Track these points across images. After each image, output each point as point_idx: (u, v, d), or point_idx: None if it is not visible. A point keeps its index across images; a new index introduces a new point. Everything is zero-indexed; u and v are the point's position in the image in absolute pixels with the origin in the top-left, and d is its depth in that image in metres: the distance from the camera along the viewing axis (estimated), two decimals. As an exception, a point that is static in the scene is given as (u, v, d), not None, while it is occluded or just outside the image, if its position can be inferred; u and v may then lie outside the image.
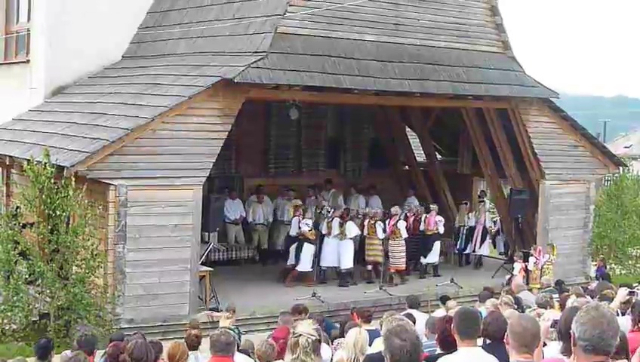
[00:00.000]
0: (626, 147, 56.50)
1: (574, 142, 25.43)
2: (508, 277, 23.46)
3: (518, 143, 24.89)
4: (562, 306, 14.66)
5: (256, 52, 20.10)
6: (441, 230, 25.35)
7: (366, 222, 23.90)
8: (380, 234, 23.67)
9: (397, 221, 23.94)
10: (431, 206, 25.75)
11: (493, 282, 23.32)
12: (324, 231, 23.39)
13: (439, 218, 25.20)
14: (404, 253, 23.87)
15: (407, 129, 30.49)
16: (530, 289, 20.30)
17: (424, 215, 25.32)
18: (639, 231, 28.49)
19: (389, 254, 23.81)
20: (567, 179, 25.38)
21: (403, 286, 23.15)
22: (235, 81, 19.18)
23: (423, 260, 25.26)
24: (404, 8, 22.36)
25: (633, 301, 11.42)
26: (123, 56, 24.89)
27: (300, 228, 23.02)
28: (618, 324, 5.27)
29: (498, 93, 23.51)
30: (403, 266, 23.99)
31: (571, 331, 5.22)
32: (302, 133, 27.32)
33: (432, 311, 17.72)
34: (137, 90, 21.17)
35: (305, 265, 23.10)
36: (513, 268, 23.75)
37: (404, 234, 23.85)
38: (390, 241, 23.82)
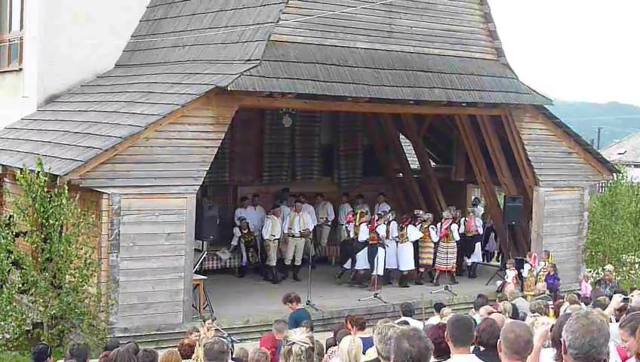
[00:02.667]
0: (619, 153, 56.48)
1: (568, 149, 25.43)
2: (500, 283, 23.45)
3: (512, 150, 24.89)
4: (557, 313, 14.67)
5: (249, 60, 20.08)
6: (481, 231, 26.63)
7: (418, 226, 24.69)
8: (434, 238, 24.78)
9: (450, 224, 25.01)
10: (470, 209, 27.04)
11: (488, 289, 23.31)
12: (382, 235, 23.95)
13: (479, 220, 26.42)
14: (456, 255, 25.20)
15: (401, 136, 30.50)
16: (524, 297, 20.30)
17: (463, 218, 26.18)
18: (633, 237, 28.48)
19: (441, 256, 24.94)
20: (561, 186, 25.38)
21: (397, 294, 23.12)
22: (229, 89, 19.15)
23: (467, 261, 26.38)
24: (398, 15, 22.36)
25: (627, 308, 11.42)
26: (116, 65, 24.87)
27: (377, 233, 23.74)
28: (609, 332, 5.24)
29: (492, 100, 23.50)
30: (454, 267, 25.21)
31: (562, 339, 5.19)
32: (295, 141, 27.29)
33: (427, 319, 17.70)
34: (130, 99, 21.14)
35: (381, 268, 23.73)
36: (506, 274, 23.74)
37: (457, 237, 25.11)
38: (442, 243, 24.98)
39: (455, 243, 25.13)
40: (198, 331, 14.94)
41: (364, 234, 23.84)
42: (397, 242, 24.39)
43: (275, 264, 24.36)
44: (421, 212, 25.69)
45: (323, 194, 27.36)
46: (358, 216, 24.25)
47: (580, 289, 22.76)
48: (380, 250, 23.68)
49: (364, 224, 23.93)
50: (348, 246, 24.50)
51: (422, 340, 5.90)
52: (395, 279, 24.75)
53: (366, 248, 23.82)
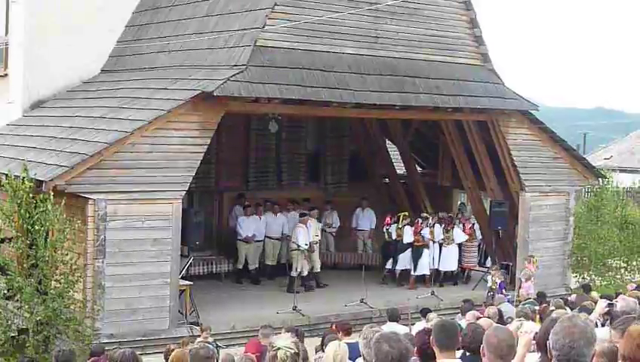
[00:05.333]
0: (605, 158, 56.55)
1: (554, 154, 25.48)
2: (489, 292, 23.24)
3: (498, 155, 24.94)
4: (542, 318, 14.69)
5: (235, 65, 20.08)
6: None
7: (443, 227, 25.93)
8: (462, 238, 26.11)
9: (473, 224, 26.41)
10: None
11: (474, 294, 23.28)
12: (427, 237, 25.32)
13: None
14: (477, 253, 26.62)
15: (387, 142, 30.52)
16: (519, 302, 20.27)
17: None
18: (619, 242, 28.57)
19: (466, 254, 26.27)
20: (547, 191, 25.43)
21: (384, 299, 23.09)
22: (215, 94, 19.13)
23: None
24: (384, 21, 22.40)
25: (612, 312, 11.43)
26: (102, 70, 24.83)
27: (422, 235, 25.13)
28: (592, 335, 5.25)
29: (477, 105, 23.55)
30: (475, 265, 26.62)
31: (547, 343, 5.21)
32: (282, 147, 27.25)
33: (413, 324, 17.70)
34: (116, 104, 21.10)
35: (424, 269, 25.23)
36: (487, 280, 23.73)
37: (480, 236, 26.51)
38: (466, 243, 26.17)
39: (477, 243, 26.41)
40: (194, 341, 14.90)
41: (408, 236, 24.99)
42: (440, 244, 25.59)
43: (306, 273, 24.18)
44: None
45: (299, 201, 27.14)
46: (401, 218, 25.25)
47: (521, 288, 22.50)
48: (425, 251, 25.19)
49: (408, 226, 25.04)
50: (391, 248, 25.50)
51: (401, 342, 5.97)
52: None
53: (409, 249, 25.09)
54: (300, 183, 27.91)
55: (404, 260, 25.20)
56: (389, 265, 25.59)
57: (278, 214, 25.41)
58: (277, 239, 25.32)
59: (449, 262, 25.75)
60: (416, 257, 25.11)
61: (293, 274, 24.00)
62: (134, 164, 18.81)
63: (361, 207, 27.73)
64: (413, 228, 25.19)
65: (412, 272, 25.25)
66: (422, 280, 25.30)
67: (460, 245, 25.94)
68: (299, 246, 23.68)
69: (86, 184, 18.24)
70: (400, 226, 25.19)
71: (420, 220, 25.43)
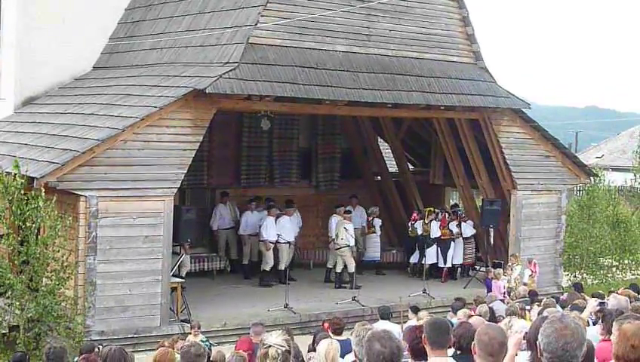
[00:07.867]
0: (597, 157, 56.66)
1: (546, 153, 25.50)
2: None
3: (490, 154, 24.95)
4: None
5: (227, 62, 20.05)
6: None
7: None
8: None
9: (467, 220, 26.75)
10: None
11: (466, 293, 23.29)
12: (455, 231, 26.21)
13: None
14: (474, 249, 26.94)
15: (380, 139, 30.51)
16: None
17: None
18: (610, 241, 28.63)
19: (466, 251, 26.73)
20: (539, 190, 25.44)
21: (375, 297, 23.10)
22: (207, 91, 19.11)
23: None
24: (376, 19, 22.40)
25: (604, 310, 11.45)
26: (94, 67, 24.79)
27: (451, 230, 25.99)
28: (583, 335, 5.25)
29: (470, 103, 23.55)
30: (474, 261, 26.95)
31: (537, 342, 5.20)
32: (274, 144, 27.20)
33: (405, 322, 17.70)
34: (108, 101, 21.07)
35: (449, 262, 26.23)
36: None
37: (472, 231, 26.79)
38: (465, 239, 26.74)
39: (473, 239, 26.69)
40: (184, 339, 14.89)
41: (435, 231, 25.74)
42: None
43: (353, 271, 24.42)
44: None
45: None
46: (427, 214, 26.01)
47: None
48: (452, 244, 26.11)
49: (434, 221, 25.84)
50: (417, 243, 26.24)
51: (393, 341, 5.96)
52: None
53: (435, 244, 25.84)
54: (291, 181, 27.87)
55: (431, 254, 25.78)
56: (413, 259, 26.48)
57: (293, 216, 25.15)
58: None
59: (459, 255, 26.35)
60: (444, 251, 25.90)
61: (338, 270, 24.47)
62: (126, 161, 18.78)
63: (352, 205, 27.60)
64: (439, 223, 25.88)
65: (443, 265, 25.99)
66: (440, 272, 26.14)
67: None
68: (349, 243, 24.28)
69: (77, 181, 18.20)
70: (427, 222, 25.87)
71: (446, 216, 26.12)
